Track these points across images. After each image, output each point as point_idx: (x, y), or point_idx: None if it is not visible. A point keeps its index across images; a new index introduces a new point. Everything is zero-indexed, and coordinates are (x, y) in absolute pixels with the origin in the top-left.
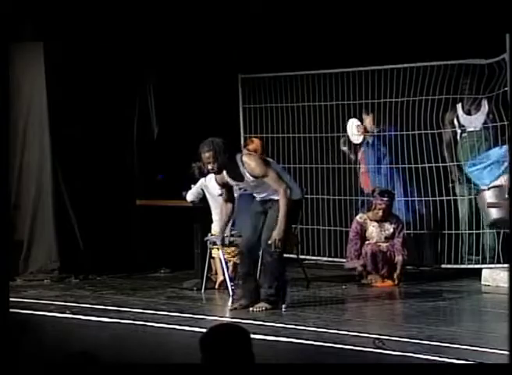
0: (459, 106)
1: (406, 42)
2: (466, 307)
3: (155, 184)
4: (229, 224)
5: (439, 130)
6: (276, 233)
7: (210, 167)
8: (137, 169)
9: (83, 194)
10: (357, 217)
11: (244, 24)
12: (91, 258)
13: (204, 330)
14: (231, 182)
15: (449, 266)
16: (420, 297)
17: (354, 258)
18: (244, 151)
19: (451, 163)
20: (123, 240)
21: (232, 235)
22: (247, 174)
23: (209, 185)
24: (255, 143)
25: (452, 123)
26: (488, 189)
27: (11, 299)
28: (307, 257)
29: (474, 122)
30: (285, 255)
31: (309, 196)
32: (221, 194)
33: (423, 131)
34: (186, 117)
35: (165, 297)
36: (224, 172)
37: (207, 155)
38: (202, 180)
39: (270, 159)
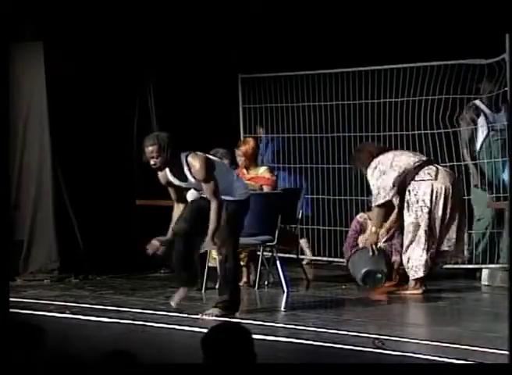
0: (480, 103)
1: (406, 42)
2: (466, 307)
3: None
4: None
5: (438, 130)
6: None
7: (152, 162)
8: (137, 169)
9: (83, 194)
10: (358, 216)
11: (244, 24)
12: (91, 258)
13: (204, 330)
14: (174, 181)
15: (449, 266)
16: (420, 297)
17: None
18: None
19: (471, 164)
20: (123, 240)
21: None
22: (189, 175)
23: None
24: (250, 144)
25: (473, 121)
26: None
27: (11, 299)
28: (307, 257)
29: (502, 118)
30: (285, 255)
31: (309, 196)
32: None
33: (423, 131)
34: (186, 117)
35: (164, 297)
36: (167, 169)
37: (150, 149)
38: None
39: (217, 159)
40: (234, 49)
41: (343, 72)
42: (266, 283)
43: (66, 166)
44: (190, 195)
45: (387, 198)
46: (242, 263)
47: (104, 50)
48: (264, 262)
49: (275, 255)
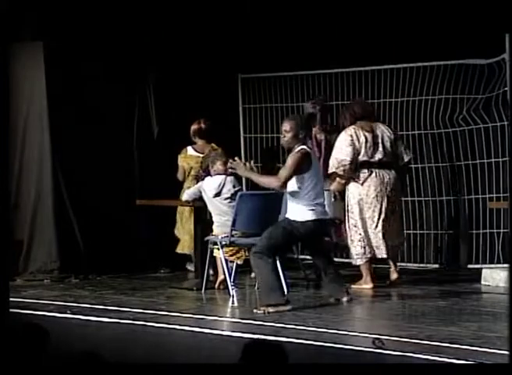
0: None
1: (406, 42)
2: (466, 307)
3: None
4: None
5: (438, 130)
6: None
7: (282, 137)
8: (137, 169)
9: (83, 194)
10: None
11: (244, 24)
12: (91, 258)
13: (204, 331)
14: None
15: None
16: (420, 297)
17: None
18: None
19: None
20: (123, 240)
21: (232, 235)
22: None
23: (206, 189)
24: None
25: None
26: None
27: (11, 299)
28: (307, 257)
29: None
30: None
31: None
32: (216, 195)
33: (423, 131)
34: (186, 117)
35: (165, 297)
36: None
37: (286, 124)
38: (200, 183)
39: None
40: (234, 49)
41: (343, 72)
42: None
43: (66, 166)
44: (186, 195)
45: (339, 172)
46: (239, 263)
47: (104, 50)
48: None
49: None
